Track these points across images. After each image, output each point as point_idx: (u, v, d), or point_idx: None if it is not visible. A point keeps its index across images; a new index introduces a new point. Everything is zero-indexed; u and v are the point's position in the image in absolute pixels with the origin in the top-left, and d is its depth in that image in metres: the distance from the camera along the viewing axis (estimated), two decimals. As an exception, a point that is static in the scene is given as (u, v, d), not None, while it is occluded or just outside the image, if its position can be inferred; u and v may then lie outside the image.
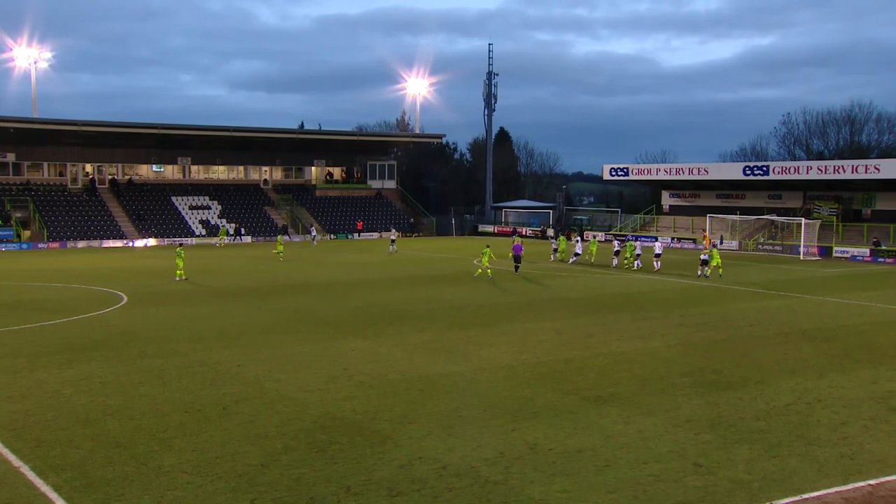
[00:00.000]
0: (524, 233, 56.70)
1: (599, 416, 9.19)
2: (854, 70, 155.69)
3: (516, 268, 24.09)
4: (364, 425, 8.51)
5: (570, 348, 13.37)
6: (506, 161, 75.87)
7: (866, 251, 36.02)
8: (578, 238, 33.46)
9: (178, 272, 21.31)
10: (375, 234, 44.74)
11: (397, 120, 68.21)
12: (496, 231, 59.28)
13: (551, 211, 60.82)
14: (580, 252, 29.06)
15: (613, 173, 53.59)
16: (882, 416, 9.16)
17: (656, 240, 37.46)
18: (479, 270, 23.00)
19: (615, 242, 28.82)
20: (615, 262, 27.38)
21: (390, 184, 51.20)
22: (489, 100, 61.81)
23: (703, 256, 24.25)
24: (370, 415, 8.95)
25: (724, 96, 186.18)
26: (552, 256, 29.90)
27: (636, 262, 26.91)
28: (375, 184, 50.61)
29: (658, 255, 26.20)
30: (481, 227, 60.95)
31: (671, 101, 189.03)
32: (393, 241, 33.81)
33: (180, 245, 25.59)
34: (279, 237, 30.92)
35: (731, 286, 22.97)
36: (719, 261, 24.60)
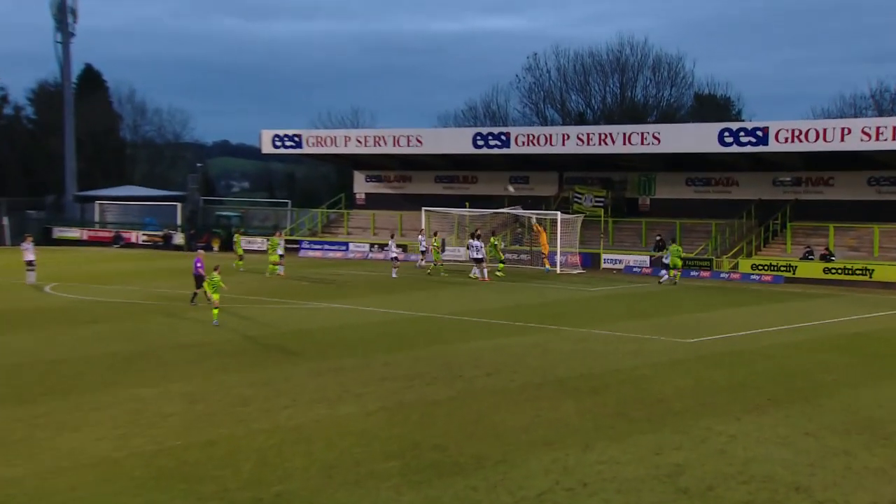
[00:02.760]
0: (133, 239, 59.73)
1: (261, 533, 10.67)
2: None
3: (194, 295, 28.71)
4: None
5: (213, 424, 14.28)
6: (100, 122, 75.70)
7: (645, 259, 46.05)
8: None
9: None
10: None
11: None
12: (86, 238, 60.23)
13: (179, 204, 63.04)
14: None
15: (279, 144, 57.71)
16: (669, 502, 10.90)
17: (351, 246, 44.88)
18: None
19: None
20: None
21: None
22: (63, 17, 62.09)
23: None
24: None
25: (442, 26, 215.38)
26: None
27: (279, 267, 40.03)
28: None
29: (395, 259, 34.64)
30: (59, 232, 61.00)
31: (364, 31, 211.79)
32: None
33: None
34: None
35: (458, 316, 27.81)
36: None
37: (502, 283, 38.98)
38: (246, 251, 46.84)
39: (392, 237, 42.16)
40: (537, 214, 50.16)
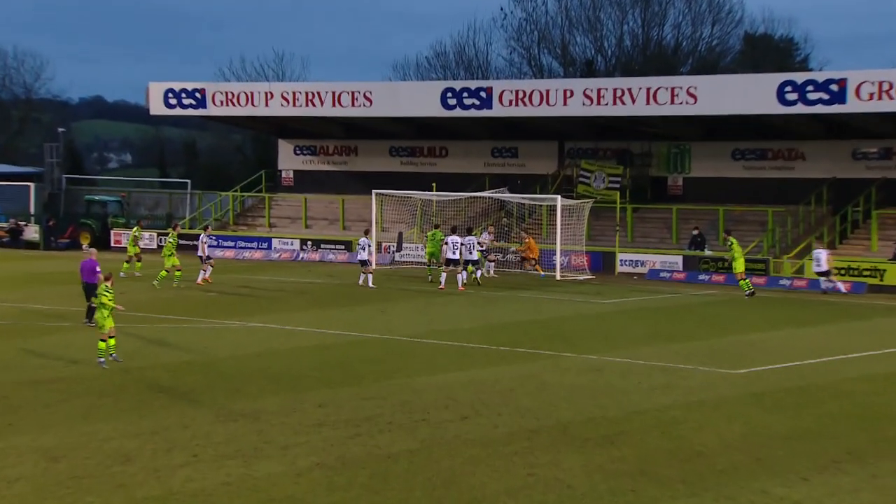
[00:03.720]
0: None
1: None
2: None
3: (90, 311, 27.69)
4: None
5: (80, 491, 14.15)
6: None
7: (677, 260, 46.15)
8: None
9: None
10: None
11: None
12: None
13: (32, 185, 63.47)
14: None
15: (174, 102, 57.95)
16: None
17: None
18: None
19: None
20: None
21: None
22: None
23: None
24: None
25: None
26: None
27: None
28: None
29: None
30: None
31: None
32: None
33: None
34: None
35: (421, 338, 27.98)
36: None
37: (482, 289, 39.08)
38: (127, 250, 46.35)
39: (367, 233, 41.73)
40: (529, 200, 50.25)
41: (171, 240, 40.03)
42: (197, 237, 43.46)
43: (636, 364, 23.86)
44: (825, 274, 39.43)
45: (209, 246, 41.87)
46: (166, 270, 39.35)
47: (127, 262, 42.79)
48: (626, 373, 22.84)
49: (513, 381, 21.68)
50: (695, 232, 46.79)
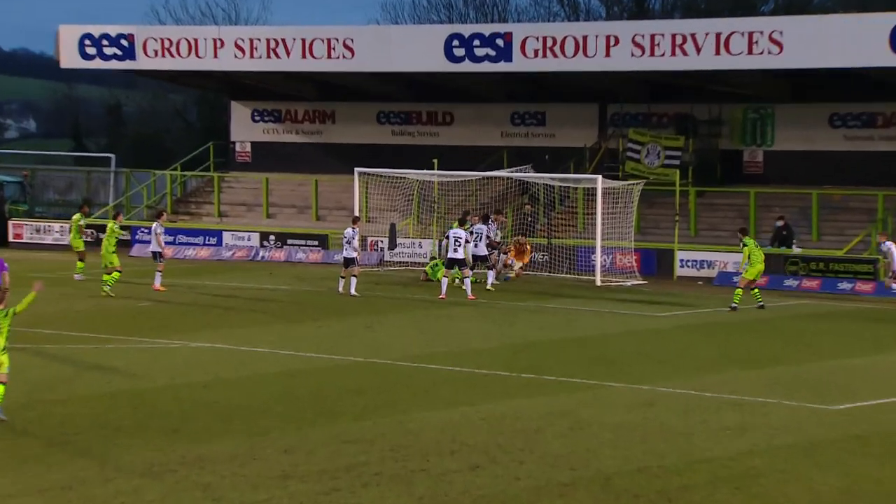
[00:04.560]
0: None
1: None
2: None
3: None
4: None
5: None
6: None
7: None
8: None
9: None
10: None
11: None
12: None
13: None
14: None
15: (92, 52, 58.27)
16: None
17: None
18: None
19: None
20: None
21: None
22: None
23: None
24: None
25: None
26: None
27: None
28: None
29: None
30: None
31: None
32: None
33: None
34: None
35: (417, 362, 28.05)
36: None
37: (497, 301, 39.18)
38: (32, 246, 46.47)
39: (355, 222, 41.43)
40: (560, 182, 50.13)
41: (112, 231, 40.75)
42: (128, 229, 43.33)
43: (701, 397, 23.86)
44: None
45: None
46: (111, 271, 39.85)
47: (81, 260, 43.47)
48: (687, 408, 22.82)
49: (539, 418, 21.64)
50: (779, 223, 46.77)
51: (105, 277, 39.70)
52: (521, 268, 45.15)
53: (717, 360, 28.49)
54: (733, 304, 37.93)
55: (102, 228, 44.27)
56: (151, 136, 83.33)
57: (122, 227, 43.01)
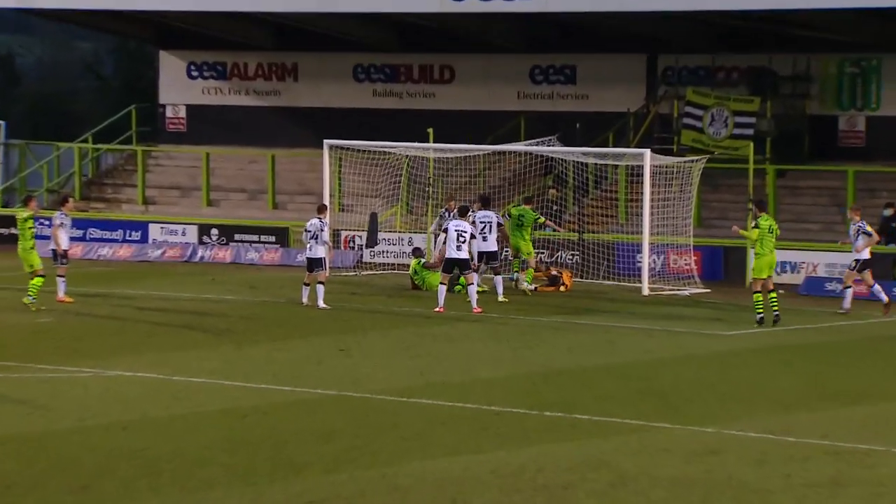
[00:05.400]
0: None
1: None
2: None
3: None
4: None
5: None
6: None
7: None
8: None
9: None
10: None
11: None
12: None
13: None
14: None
15: None
16: None
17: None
18: None
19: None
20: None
21: None
22: None
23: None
24: None
25: None
26: None
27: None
28: None
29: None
30: None
31: None
32: None
33: None
34: None
35: (408, 397, 28.17)
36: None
37: (513, 317, 39.33)
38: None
39: (321, 211, 41.25)
40: (595, 158, 50.11)
41: (25, 223, 40.38)
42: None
43: (782, 442, 23.84)
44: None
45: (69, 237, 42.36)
46: (38, 275, 39.85)
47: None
48: (763, 458, 22.79)
49: (569, 470, 21.62)
50: (887, 212, 46.84)
51: (31, 283, 39.58)
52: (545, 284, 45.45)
53: (804, 394, 28.55)
54: (759, 315, 38.15)
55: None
56: (53, 98, 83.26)
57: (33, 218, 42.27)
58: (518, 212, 44.15)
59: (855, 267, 40.25)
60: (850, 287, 41.06)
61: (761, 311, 37.83)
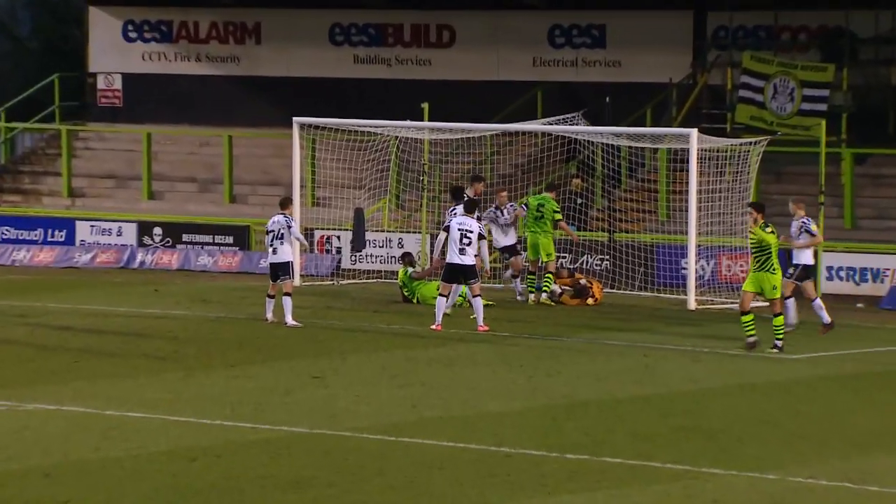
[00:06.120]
0: None
1: None
2: None
3: None
4: None
5: None
6: None
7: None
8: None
9: None
10: None
11: None
12: None
13: None
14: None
15: None
16: None
17: None
18: None
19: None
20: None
21: None
22: None
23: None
24: None
25: None
26: None
27: None
28: None
29: None
30: None
31: None
32: None
33: None
34: None
35: (398, 436, 28.17)
36: None
37: (527, 337, 39.52)
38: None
39: (285, 205, 41.51)
40: (629, 140, 50.29)
41: None
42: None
43: (861, 493, 23.91)
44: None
45: None
46: None
47: None
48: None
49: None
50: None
51: None
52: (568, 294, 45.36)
53: (885, 433, 28.65)
54: (777, 343, 38.15)
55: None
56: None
57: None
58: (538, 201, 44.36)
59: (794, 274, 40.59)
60: (790, 298, 41.13)
61: (781, 337, 37.83)
